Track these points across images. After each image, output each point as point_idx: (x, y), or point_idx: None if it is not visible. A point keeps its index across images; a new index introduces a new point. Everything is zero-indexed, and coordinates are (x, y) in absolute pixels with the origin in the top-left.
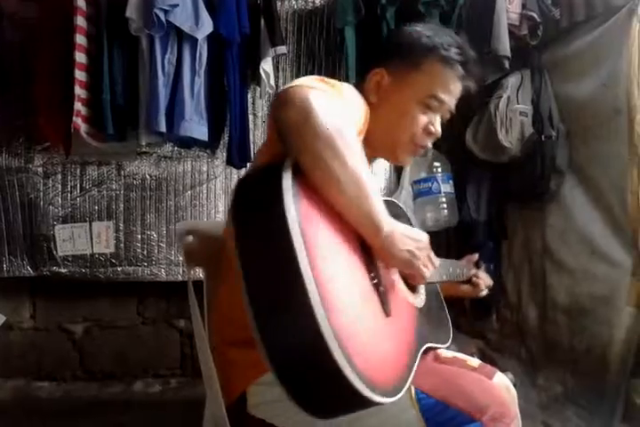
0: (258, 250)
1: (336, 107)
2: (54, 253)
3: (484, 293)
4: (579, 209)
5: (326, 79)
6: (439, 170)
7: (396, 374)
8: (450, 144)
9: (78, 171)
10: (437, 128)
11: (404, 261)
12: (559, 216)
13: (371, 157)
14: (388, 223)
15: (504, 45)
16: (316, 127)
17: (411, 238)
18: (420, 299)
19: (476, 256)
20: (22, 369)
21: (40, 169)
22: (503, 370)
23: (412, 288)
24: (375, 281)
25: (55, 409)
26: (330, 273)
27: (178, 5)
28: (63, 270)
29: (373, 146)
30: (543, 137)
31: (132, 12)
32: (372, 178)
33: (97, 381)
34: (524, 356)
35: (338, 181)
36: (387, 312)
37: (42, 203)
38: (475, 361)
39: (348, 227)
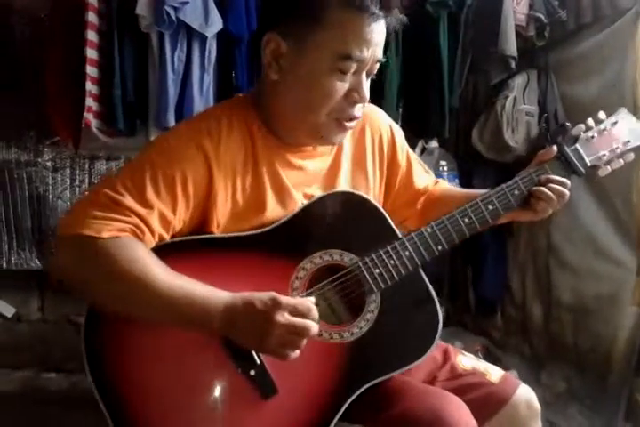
0: None
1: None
2: None
3: (548, 209)
4: (584, 208)
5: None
6: (445, 169)
7: None
8: (456, 143)
9: (87, 165)
10: (363, 93)
11: (257, 349)
12: (564, 215)
13: (301, 145)
14: (216, 314)
15: (511, 46)
16: (89, 275)
17: (253, 322)
18: (357, 327)
19: (552, 150)
20: (31, 361)
21: (49, 163)
22: (507, 368)
23: (359, 308)
24: (240, 370)
25: (63, 400)
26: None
27: (188, 3)
28: None
29: (294, 132)
30: (549, 137)
31: (142, 8)
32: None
33: None
34: (528, 354)
35: (135, 307)
36: (265, 394)
37: (50, 197)
38: (496, 374)
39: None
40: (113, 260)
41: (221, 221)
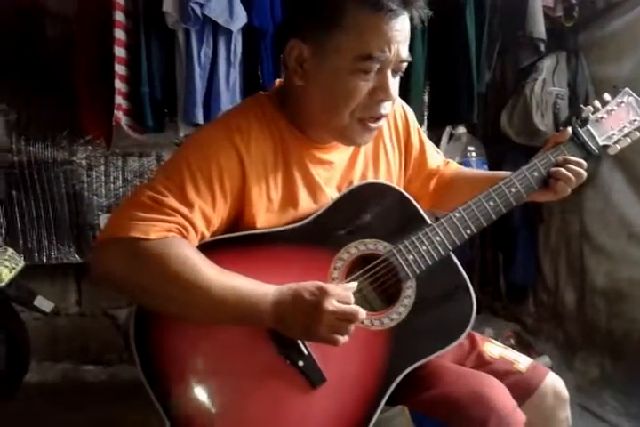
0: None
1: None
2: None
3: (567, 189)
4: (617, 192)
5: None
6: (473, 154)
7: None
8: (484, 128)
9: (120, 162)
10: (388, 90)
11: (307, 338)
12: (597, 199)
13: (316, 143)
14: (266, 308)
15: (539, 28)
16: (141, 275)
17: (303, 312)
18: (396, 313)
19: (566, 132)
20: (69, 353)
21: (84, 161)
22: (540, 353)
23: (393, 296)
24: (288, 361)
25: (101, 391)
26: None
27: None
28: None
29: (322, 132)
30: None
31: (168, 6)
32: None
33: None
34: (561, 340)
35: (189, 308)
36: (314, 383)
37: (86, 193)
38: (524, 363)
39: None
40: (163, 261)
41: (256, 218)
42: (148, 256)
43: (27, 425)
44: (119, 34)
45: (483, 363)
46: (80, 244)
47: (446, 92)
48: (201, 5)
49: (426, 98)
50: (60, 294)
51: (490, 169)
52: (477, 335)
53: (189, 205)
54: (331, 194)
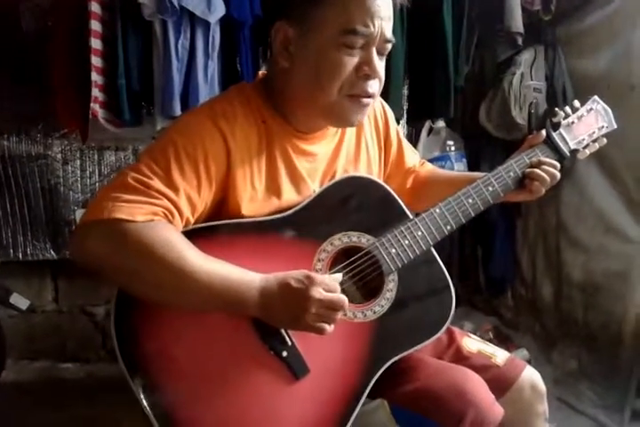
0: None
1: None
2: None
3: (542, 189)
4: (593, 186)
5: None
6: (452, 148)
7: None
8: (463, 122)
9: (96, 156)
10: (374, 65)
11: (293, 327)
12: (574, 193)
13: (312, 131)
14: (252, 296)
15: (517, 22)
16: (122, 257)
17: (289, 300)
18: (379, 306)
19: (540, 135)
20: (46, 351)
21: (59, 155)
22: (518, 346)
23: (374, 290)
24: (272, 351)
25: (79, 389)
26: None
27: None
28: None
29: (309, 118)
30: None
31: None
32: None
33: None
34: (538, 332)
35: (173, 292)
36: (297, 374)
37: (62, 188)
38: (501, 357)
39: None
40: (149, 244)
41: (240, 206)
42: (133, 238)
43: (4, 425)
44: (95, 25)
45: (461, 357)
46: (56, 240)
47: (424, 87)
48: None
49: (405, 92)
50: (37, 291)
51: (469, 162)
52: (456, 330)
53: (175, 189)
54: (313, 186)
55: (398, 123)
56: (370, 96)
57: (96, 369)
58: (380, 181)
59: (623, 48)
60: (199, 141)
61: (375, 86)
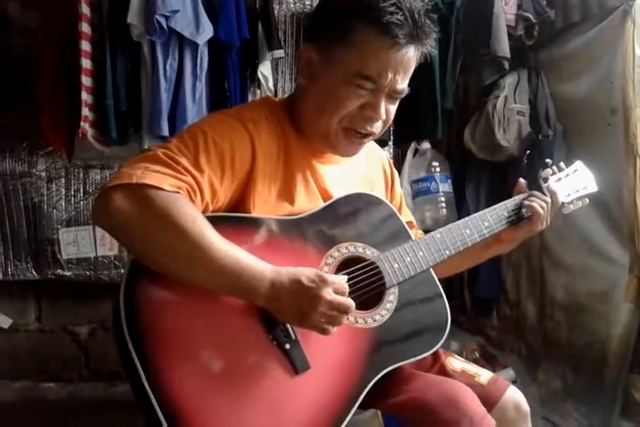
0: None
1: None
2: (59, 256)
3: (541, 223)
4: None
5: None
6: (437, 169)
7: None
8: (448, 144)
9: (81, 175)
10: (378, 110)
11: (299, 324)
12: (556, 215)
13: (316, 152)
14: (263, 285)
15: (503, 47)
16: (142, 225)
17: (299, 297)
18: (379, 315)
19: (522, 184)
20: (29, 371)
21: (44, 173)
22: (504, 366)
23: (376, 298)
24: (275, 342)
25: (62, 409)
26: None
27: (179, 11)
28: (67, 273)
29: (310, 137)
30: (540, 136)
31: (133, 18)
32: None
33: (102, 381)
34: (523, 352)
35: (186, 266)
36: (298, 368)
37: (46, 207)
38: (485, 376)
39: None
40: (174, 213)
41: (256, 207)
42: (160, 204)
43: None
44: (85, 45)
45: (445, 376)
46: (38, 260)
47: (411, 109)
48: (166, 18)
49: None
50: (20, 310)
51: (454, 183)
52: (441, 350)
53: (201, 171)
54: (321, 200)
55: (385, 144)
56: (367, 135)
57: (78, 389)
58: (388, 202)
59: (603, 73)
60: (228, 138)
61: (377, 127)
